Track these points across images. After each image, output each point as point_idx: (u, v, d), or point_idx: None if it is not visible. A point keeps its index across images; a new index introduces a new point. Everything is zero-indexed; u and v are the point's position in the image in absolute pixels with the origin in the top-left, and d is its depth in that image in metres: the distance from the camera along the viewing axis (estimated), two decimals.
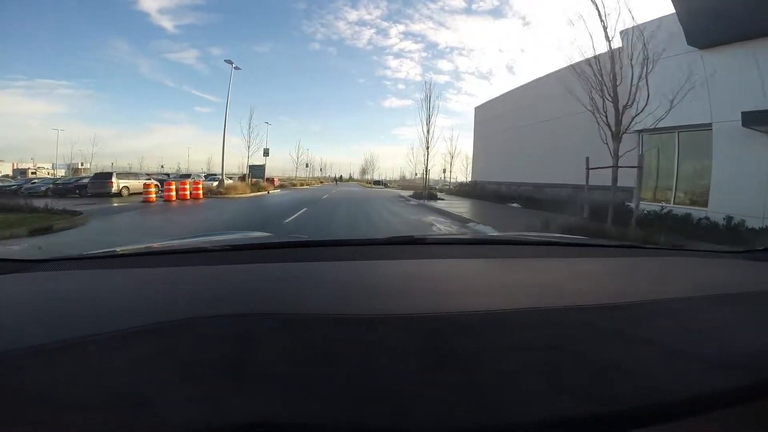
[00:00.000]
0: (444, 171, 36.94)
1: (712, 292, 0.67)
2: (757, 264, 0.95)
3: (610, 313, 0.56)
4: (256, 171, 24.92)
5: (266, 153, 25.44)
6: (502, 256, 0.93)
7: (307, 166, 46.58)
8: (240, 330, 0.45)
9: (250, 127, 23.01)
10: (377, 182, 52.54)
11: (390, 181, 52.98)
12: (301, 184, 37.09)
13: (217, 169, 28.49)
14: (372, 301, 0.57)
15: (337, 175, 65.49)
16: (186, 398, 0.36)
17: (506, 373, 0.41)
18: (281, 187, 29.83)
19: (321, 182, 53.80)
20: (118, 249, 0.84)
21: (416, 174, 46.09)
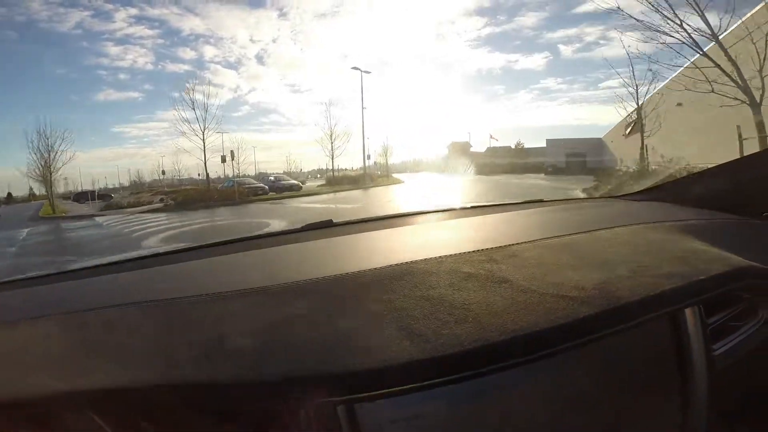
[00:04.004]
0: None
1: (570, 233, 0.75)
2: (626, 204, 1.13)
3: (477, 257, 0.63)
4: None
5: None
6: (404, 225, 1.03)
7: None
8: (103, 319, 0.53)
9: None
10: (81, 197, 22.66)
11: (113, 190, 28.04)
12: None
13: None
14: (263, 278, 0.63)
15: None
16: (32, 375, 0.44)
17: (363, 323, 0.47)
18: None
19: None
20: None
21: (163, 173, 26.16)
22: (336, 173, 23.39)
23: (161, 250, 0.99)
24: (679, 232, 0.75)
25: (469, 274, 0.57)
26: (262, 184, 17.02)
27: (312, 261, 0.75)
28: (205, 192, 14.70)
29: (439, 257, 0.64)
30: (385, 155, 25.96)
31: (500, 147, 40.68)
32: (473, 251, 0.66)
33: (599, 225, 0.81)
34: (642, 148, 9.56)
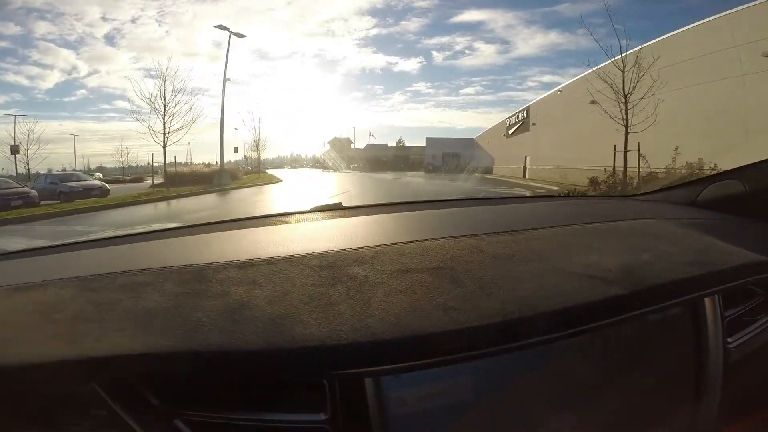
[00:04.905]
0: None
1: (590, 221, 0.77)
2: (637, 202, 1.14)
3: (500, 238, 0.62)
4: None
5: None
6: (419, 209, 1.00)
7: None
8: (121, 282, 0.51)
9: None
10: None
11: None
12: None
13: None
14: (278, 249, 0.60)
15: None
16: (45, 337, 0.40)
17: (387, 292, 0.45)
18: None
19: None
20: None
21: None
22: (185, 168, 16.92)
23: (175, 225, 0.98)
24: (697, 227, 0.76)
25: (494, 253, 0.56)
26: (26, 189, 9.62)
27: (333, 237, 0.72)
28: None
29: (460, 236, 0.63)
30: (257, 147, 20.40)
31: (378, 144, 40.61)
32: (494, 233, 0.66)
33: (616, 217, 0.83)
34: (625, 147, 7.85)
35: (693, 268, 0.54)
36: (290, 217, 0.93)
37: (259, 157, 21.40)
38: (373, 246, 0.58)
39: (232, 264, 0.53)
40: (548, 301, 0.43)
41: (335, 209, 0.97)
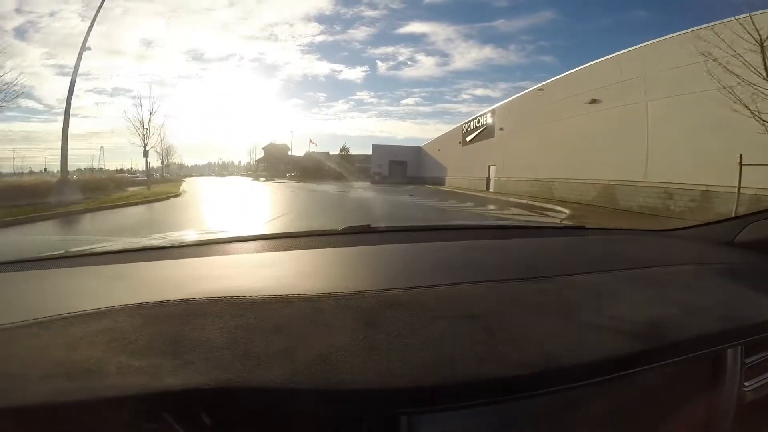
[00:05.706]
0: None
1: (622, 267, 0.77)
2: (673, 240, 1.10)
3: (531, 286, 0.65)
4: None
5: None
6: (445, 239, 1.06)
7: None
8: (183, 311, 0.52)
9: None
10: None
11: None
12: None
13: None
14: (318, 283, 0.65)
15: None
16: (126, 368, 0.41)
17: (425, 340, 0.47)
18: None
19: None
20: (71, 249, 0.91)
21: None
22: (29, 179, 11.45)
23: (221, 236, 1.04)
24: (731, 274, 0.78)
25: (525, 303, 0.59)
26: None
27: (368, 268, 0.77)
28: None
29: (493, 281, 0.67)
30: (145, 150, 15.15)
31: (320, 152, 37.24)
32: (526, 278, 0.68)
33: (649, 261, 0.83)
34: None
35: (720, 323, 0.56)
36: (321, 239, 0.99)
37: (147, 164, 16.21)
38: (410, 288, 0.62)
39: (281, 298, 0.56)
40: (573, 354, 0.46)
41: (363, 232, 1.06)
